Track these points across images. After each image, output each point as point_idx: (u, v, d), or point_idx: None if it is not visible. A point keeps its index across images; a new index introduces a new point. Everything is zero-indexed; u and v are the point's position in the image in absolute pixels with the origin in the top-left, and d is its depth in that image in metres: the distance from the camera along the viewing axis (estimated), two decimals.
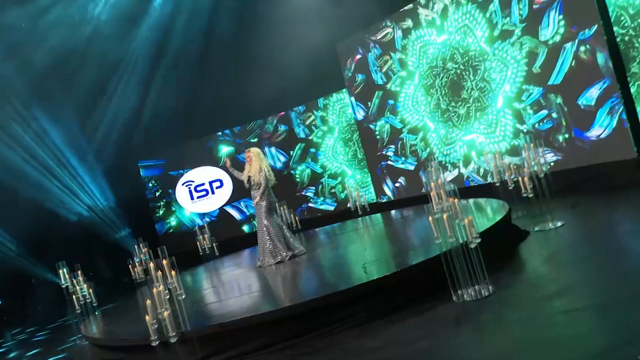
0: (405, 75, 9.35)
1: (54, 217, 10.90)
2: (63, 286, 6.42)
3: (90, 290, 6.40)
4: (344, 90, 10.44)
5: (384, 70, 9.60)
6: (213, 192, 11.87)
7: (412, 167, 9.55)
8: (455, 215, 4.01)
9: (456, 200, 4.07)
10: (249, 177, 6.45)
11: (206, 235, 8.33)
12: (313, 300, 4.24)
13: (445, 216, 3.99)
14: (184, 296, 4.02)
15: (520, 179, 5.55)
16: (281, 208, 7.55)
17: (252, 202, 6.52)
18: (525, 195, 5.50)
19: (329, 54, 10.09)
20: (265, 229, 6.36)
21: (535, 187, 5.52)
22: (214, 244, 8.35)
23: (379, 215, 8.64)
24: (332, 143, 11.02)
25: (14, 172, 10.18)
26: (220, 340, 4.16)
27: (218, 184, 11.86)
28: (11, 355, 7.10)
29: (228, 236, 11.51)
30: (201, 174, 11.87)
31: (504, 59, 7.79)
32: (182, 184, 11.95)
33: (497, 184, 6.17)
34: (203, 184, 11.92)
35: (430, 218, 4.06)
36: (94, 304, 6.46)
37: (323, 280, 5.20)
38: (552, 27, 7.05)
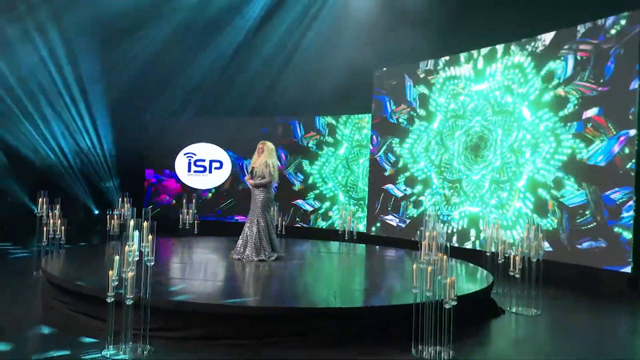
0: (424, 114, 9.34)
1: (47, 145, 10.85)
2: (38, 215, 6.41)
3: (63, 228, 6.39)
4: (369, 115, 10.47)
5: (404, 115, 9.67)
6: (210, 171, 11.86)
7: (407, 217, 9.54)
8: (439, 271, 4.00)
9: (445, 256, 4.07)
10: (253, 167, 6.49)
11: (190, 211, 8.36)
12: (271, 308, 4.25)
13: (429, 269, 3.99)
14: (152, 263, 4.00)
15: (511, 256, 5.56)
16: (273, 209, 7.57)
17: (251, 196, 6.55)
18: (512, 273, 5.51)
19: (365, 77, 10.18)
20: (256, 223, 6.40)
21: (524, 268, 5.53)
22: (195, 222, 8.37)
23: (363, 246, 8.63)
24: (334, 163, 11.03)
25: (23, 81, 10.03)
26: (171, 317, 4.14)
27: (217, 164, 11.84)
28: None
29: (211, 219, 11.61)
30: (204, 150, 11.88)
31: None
32: (184, 154, 11.96)
33: (488, 254, 6.17)
34: (203, 160, 11.91)
35: (414, 265, 4.05)
36: (62, 242, 6.45)
37: (289, 290, 5.19)
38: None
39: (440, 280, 3.97)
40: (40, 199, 6.41)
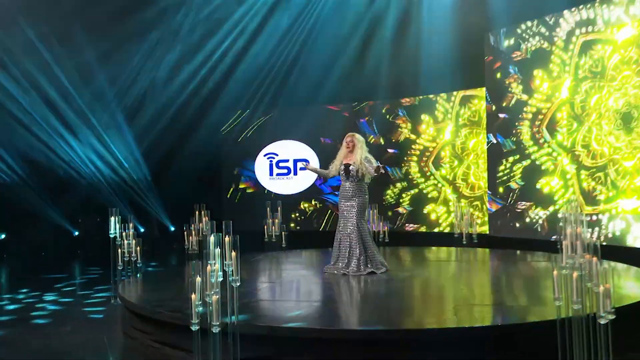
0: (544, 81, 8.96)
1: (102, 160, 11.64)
2: (111, 236, 6.92)
3: (138, 248, 6.84)
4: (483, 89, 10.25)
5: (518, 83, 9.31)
6: (295, 173, 12.17)
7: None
8: (589, 277, 3.81)
9: (595, 258, 3.87)
10: (346, 165, 6.57)
11: (277, 221, 8.59)
12: (381, 330, 4.26)
13: (575, 274, 3.82)
14: (238, 284, 4.17)
15: None
16: (370, 212, 7.64)
17: (341, 200, 6.64)
18: None
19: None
20: (357, 230, 6.49)
21: None
22: (283, 233, 8.63)
23: (486, 250, 8.52)
24: (439, 148, 10.84)
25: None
26: (264, 344, 4.29)
27: (302, 164, 12.05)
28: (45, 297, 7.78)
29: (300, 228, 12.01)
30: (286, 149, 12.21)
31: None
32: (264, 155, 12.38)
33: None
34: (286, 161, 12.25)
35: (554, 272, 3.90)
36: (139, 264, 6.90)
37: (401, 309, 5.18)
38: None
39: (591, 289, 3.78)
40: (112, 218, 6.90)
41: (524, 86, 9.42)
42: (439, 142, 10.94)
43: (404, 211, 11.26)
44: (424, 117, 11.10)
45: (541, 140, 9.17)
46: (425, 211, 11.11)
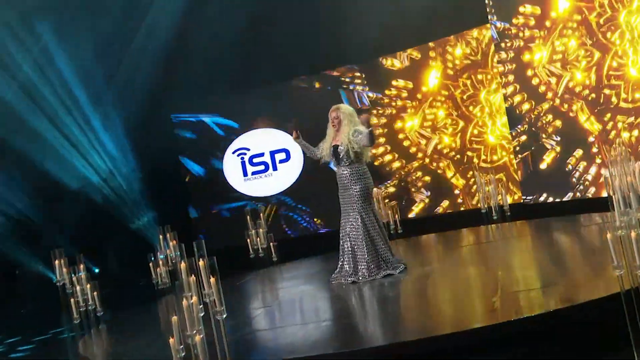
0: None
1: (52, 185, 11.43)
2: (58, 284, 6.82)
3: (95, 294, 6.74)
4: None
5: None
6: (275, 168, 12.02)
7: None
8: None
9: None
10: (335, 146, 6.53)
11: (261, 231, 8.52)
12: (414, 342, 4.23)
13: (633, 234, 3.80)
14: (225, 315, 4.13)
15: None
16: (377, 198, 7.69)
17: (340, 190, 6.60)
18: None
19: None
20: (361, 225, 6.42)
21: None
22: (271, 244, 8.55)
23: (521, 223, 8.55)
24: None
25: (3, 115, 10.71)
26: None
27: (283, 155, 11.96)
28: None
29: (289, 235, 11.86)
30: (259, 140, 12.05)
31: None
32: (233, 152, 12.21)
33: None
34: (262, 155, 12.06)
35: (608, 235, 3.88)
36: (98, 313, 6.80)
37: (431, 314, 5.17)
38: None
39: None
40: (55, 262, 6.80)
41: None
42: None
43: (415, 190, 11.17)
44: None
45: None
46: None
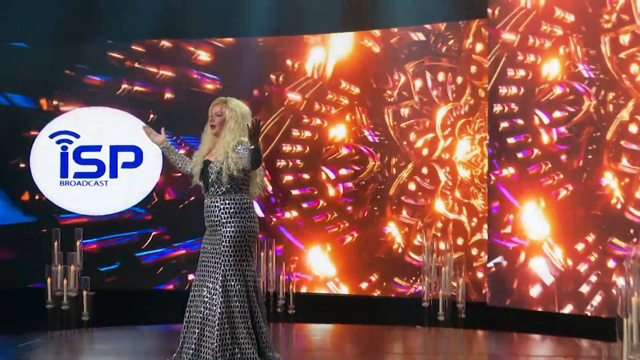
0: None
1: None
2: None
3: None
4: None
5: None
6: (114, 174, 9.69)
7: None
8: None
9: None
10: (207, 162, 5.54)
11: (72, 269, 7.62)
12: None
13: None
14: None
15: None
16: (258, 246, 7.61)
17: (206, 228, 5.61)
18: None
19: None
20: (220, 292, 5.40)
21: None
22: (85, 293, 7.57)
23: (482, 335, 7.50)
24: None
25: None
26: None
27: (130, 156, 9.66)
28: None
29: (119, 280, 9.85)
30: (94, 126, 9.81)
31: None
32: (51, 136, 9.79)
33: None
34: (98, 149, 9.59)
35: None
36: None
37: None
38: None
39: None
40: None
41: None
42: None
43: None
44: None
45: None
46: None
